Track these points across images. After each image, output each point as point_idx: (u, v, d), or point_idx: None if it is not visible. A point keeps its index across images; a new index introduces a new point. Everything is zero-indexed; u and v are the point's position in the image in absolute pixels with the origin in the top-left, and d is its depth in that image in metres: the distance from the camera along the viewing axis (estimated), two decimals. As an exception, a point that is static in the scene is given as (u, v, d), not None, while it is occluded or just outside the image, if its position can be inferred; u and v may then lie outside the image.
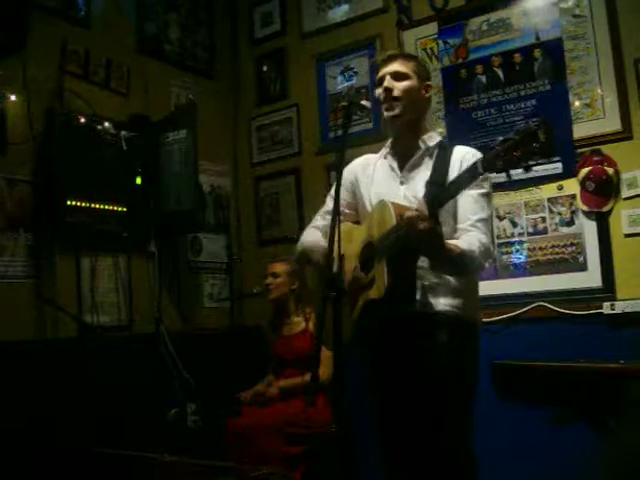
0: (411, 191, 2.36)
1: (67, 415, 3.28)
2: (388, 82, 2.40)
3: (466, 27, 3.91)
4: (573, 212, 3.54)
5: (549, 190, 3.60)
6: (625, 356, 3.12)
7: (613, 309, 3.30)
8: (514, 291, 3.64)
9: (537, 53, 3.66)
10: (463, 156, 2.33)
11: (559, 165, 3.55)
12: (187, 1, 4.68)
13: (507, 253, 3.71)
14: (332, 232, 2.05)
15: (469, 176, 1.97)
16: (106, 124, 3.84)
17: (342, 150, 2.25)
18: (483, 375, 2.41)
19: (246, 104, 4.95)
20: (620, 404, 3.12)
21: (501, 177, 1.91)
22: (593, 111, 3.50)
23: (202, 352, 4.10)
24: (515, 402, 3.50)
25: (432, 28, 4.05)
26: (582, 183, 3.47)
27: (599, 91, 3.49)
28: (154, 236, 4.02)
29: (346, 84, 4.46)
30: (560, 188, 3.58)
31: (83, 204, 3.66)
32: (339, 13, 4.53)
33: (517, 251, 3.68)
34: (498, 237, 3.67)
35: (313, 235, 2.55)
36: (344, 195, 2.58)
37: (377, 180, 2.50)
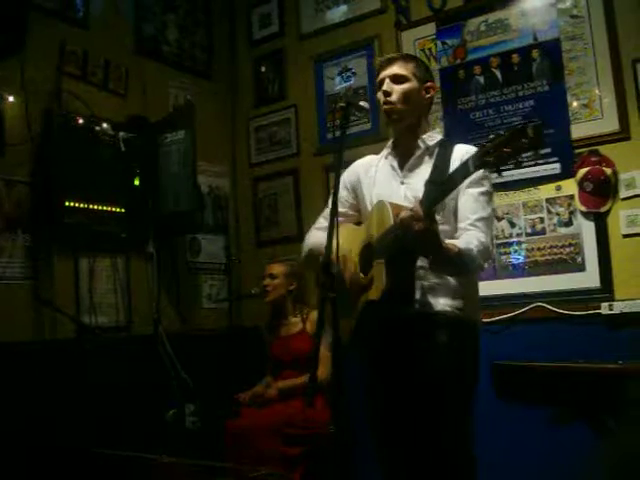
0: (412, 191, 2.36)
1: (65, 416, 3.27)
2: (387, 85, 2.41)
3: (464, 28, 3.91)
4: (571, 212, 3.54)
5: (547, 190, 3.61)
6: (623, 356, 3.12)
7: (611, 309, 3.30)
8: (512, 291, 3.64)
9: (535, 54, 3.67)
10: (463, 154, 2.31)
11: (557, 165, 3.55)
12: (185, 2, 4.68)
13: (505, 253, 3.71)
14: (330, 233, 2.05)
15: (461, 174, 1.97)
16: (104, 125, 3.84)
17: (340, 151, 2.25)
18: (482, 375, 2.41)
19: (244, 105, 4.95)
20: (619, 404, 3.12)
21: (500, 177, 1.91)
22: (591, 111, 3.51)
23: (200, 353, 4.09)
24: (514, 402, 3.50)
25: (430, 29, 4.05)
26: (580, 183, 3.47)
27: (597, 92, 3.50)
28: (152, 237, 4.01)
29: (344, 85, 4.46)
30: (558, 188, 3.58)
31: (81, 205, 3.65)
32: (337, 14, 4.53)
33: (515, 251, 3.69)
34: (496, 237, 3.67)
35: (316, 238, 2.54)
36: (346, 196, 2.59)
37: (379, 180, 2.50)
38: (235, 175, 4.94)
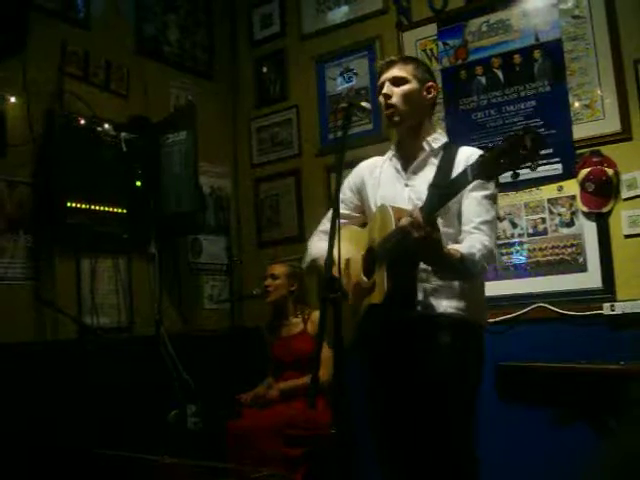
0: (415, 193, 2.36)
1: (67, 417, 3.28)
2: (387, 88, 2.41)
3: (466, 28, 3.91)
4: (573, 213, 3.54)
5: (549, 191, 3.60)
6: (625, 357, 3.12)
7: (613, 310, 3.30)
8: (514, 292, 3.64)
9: (537, 54, 3.66)
10: (468, 158, 2.30)
11: (559, 166, 3.55)
12: (186, 2, 4.69)
13: (507, 254, 3.71)
14: (332, 235, 2.05)
15: (460, 183, 1.96)
16: (106, 126, 3.84)
17: (342, 151, 2.25)
18: (485, 376, 2.41)
19: (246, 105, 4.95)
20: (621, 405, 3.12)
21: (502, 178, 1.91)
22: (593, 112, 3.51)
23: (202, 354, 4.09)
24: (516, 403, 3.50)
25: (432, 29, 4.05)
26: (582, 184, 3.47)
27: (599, 92, 3.49)
28: (154, 238, 4.01)
29: (346, 85, 4.46)
30: (560, 189, 3.58)
31: (83, 206, 3.65)
32: (339, 14, 4.53)
33: (517, 252, 3.68)
34: (498, 238, 3.64)
35: (318, 249, 2.53)
36: (351, 198, 2.59)
37: (383, 182, 2.50)
38: (237, 176, 4.94)
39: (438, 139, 2.45)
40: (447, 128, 3.90)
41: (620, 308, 3.28)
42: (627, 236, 3.37)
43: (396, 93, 2.39)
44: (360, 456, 2.80)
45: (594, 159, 3.44)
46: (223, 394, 3.87)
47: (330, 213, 2.58)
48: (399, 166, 2.48)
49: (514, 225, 3.69)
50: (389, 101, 2.39)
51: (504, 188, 3.52)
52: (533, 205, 3.65)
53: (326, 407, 3.50)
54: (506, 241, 3.71)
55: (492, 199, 2.32)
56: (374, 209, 2.44)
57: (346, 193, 2.60)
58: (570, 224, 3.55)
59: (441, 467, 2.25)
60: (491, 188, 2.31)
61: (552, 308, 3.50)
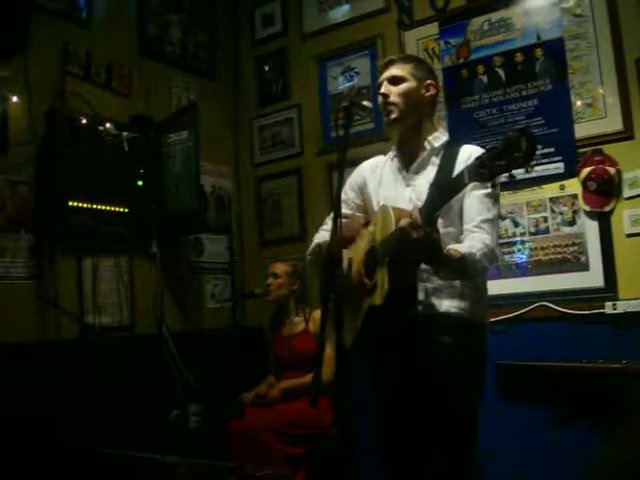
0: (416, 193, 2.36)
1: (70, 416, 3.28)
2: (385, 88, 2.42)
3: (467, 27, 3.91)
4: (575, 212, 3.53)
5: (551, 190, 3.60)
6: (627, 356, 3.11)
7: (615, 309, 3.30)
8: (516, 291, 3.64)
9: (538, 53, 3.66)
10: (469, 157, 2.30)
11: (561, 165, 3.55)
12: (188, 2, 4.69)
13: (509, 253, 3.71)
14: (333, 235, 2.05)
15: (457, 185, 1.96)
16: (108, 125, 3.84)
17: (343, 150, 2.25)
18: (487, 375, 2.41)
19: (247, 105, 4.95)
20: (623, 404, 3.11)
21: (502, 177, 1.90)
22: (594, 111, 3.50)
23: (204, 353, 4.10)
24: (517, 402, 3.50)
25: (433, 28, 4.05)
26: (584, 183, 3.47)
27: (600, 91, 3.49)
28: (156, 237, 4.01)
29: (347, 84, 4.46)
30: (562, 188, 3.58)
31: (85, 205, 3.66)
32: (340, 13, 4.53)
33: (519, 251, 3.68)
34: (500, 237, 3.65)
35: (324, 238, 2.53)
36: (353, 198, 2.59)
37: (384, 182, 2.50)
38: (238, 175, 4.94)
39: (439, 138, 2.45)
40: (448, 127, 3.89)
41: (622, 307, 3.28)
42: (629, 235, 3.37)
43: (394, 92, 2.40)
44: (361, 455, 2.80)
45: (596, 158, 3.44)
46: (225, 393, 3.87)
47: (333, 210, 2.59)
48: (400, 166, 2.48)
49: (516, 224, 3.69)
50: (387, 100, 2.39)
51: (506, 187, 3.51)
52: (535, 204, 3.65)
53: (328, 406, 3.50)
54: (508, 240, 3.70)
55: (494, 197, 2.31)
56: (376, 209, 2.44)
57: (348, 193, 2.60)
58: (572, 223, 3.54)
59: (442, 467, 2.25)
60: (492, 186, 2.31)
61: (554, 307, 3.50)
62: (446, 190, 2.01)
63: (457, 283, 2.30)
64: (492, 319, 3.42)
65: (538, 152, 1.77)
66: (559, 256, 3.57)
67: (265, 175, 4.83)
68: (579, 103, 3.54)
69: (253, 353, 4.10)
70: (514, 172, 1.75)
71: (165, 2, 4.51)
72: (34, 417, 3.18)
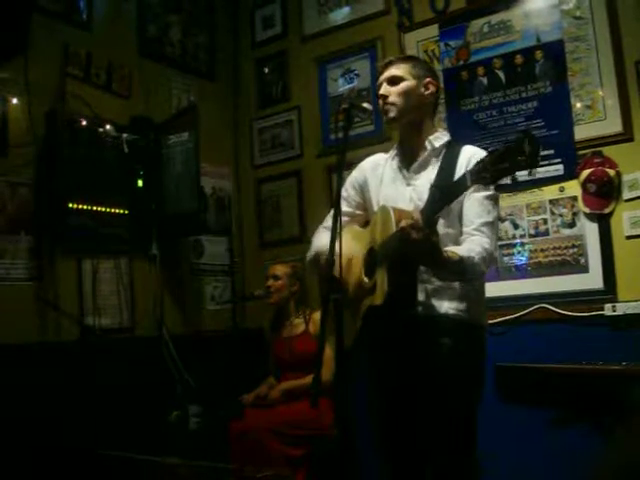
0: (417, 193, 2.36)
1: (70, 417, 3.28)
2: (383, 89, 2.42)
3: (467, 29, 3.91)
4: (574, 214, 3.54)
5: (550, 192, 3.60)
6: (627, 357, 3.12)
7: (615, 311, 3.30)
8: (516, 293, 3.64)
9: (538, 55, 3.66)
10: (470, 157, 2.30)
11: (560, 167, 3.55)
12: (188, 3, 4.69)
13: (509, 255, 3.71)
14: (333, 235, 2.05)
15: (459, 188, 1.96)
16: (108, 127, 3.85)
17: (343, 152, 2.25)
18: (486, 377, 2.41)
19: (247, 106, 4.96)
20: (623, 405, 3.12)
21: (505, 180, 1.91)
22: (594, 113, 3.51)
23: (204, 354, 4.09)
24: (516, 404, 3.50)
25: (433, 30, 4.05)
26: (583, 185, 3.47)
27: (600, 93, 3.50)
28: (156, 238, 4.01)
29: (347, 86, 4.46)
30: (561, 190, 3.58)
31: (85, 207, 3.66)
32: (340, 15, 4.53)
33: (519, 253, 3.68)
34: (499, 239, 3.65)
35: (322, 243, 2.53)
36: (354, 195, 2.59)
37: (385, 181, 2.50)
38: (238, 177, 4.94)
39: (440, 138, 2.45)
40: (448, 128, 3.88)
41: (621, 309, 3.29)
42: (628, 237, 3.37)
43: (393, 92, 2.40)
44: (361, 456, 2.80)
45: (595, 160, 3.44)
46: (225, 394, 3.87)
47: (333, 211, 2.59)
48: (401, 165, 2.48)
49: (515, 226, 3.69)
50: (387, 100, 2.40)
51: (505, 189, 3.52)
52: (535, 206, 3.65)
53: (328, 407, 3.50)
54: (508, 242, 3.71)
55: (494, 200, 2.32)
56: (376, 208, 2.44)
57: (349, 190, 2.60)
58: (572, 225, 3.55)
59: (441, 468, 2.25)
60: (493, 189, 2.31)
61: (553, 309, 3.50)
62: (448, 193, 2.01)
63: (457, 285, 2.30)
64: (492, 321, 3.45)
65: (539, 141, 1.76)
66: (559, 258, 3.57)
67: (265, 177, 4.83)
68: (579, 105, 3.55)
69: (253, 355, 4.10)
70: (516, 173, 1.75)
71: (165, 3, 4.51)
72: (34, 418, 3.18)
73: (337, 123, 4.42)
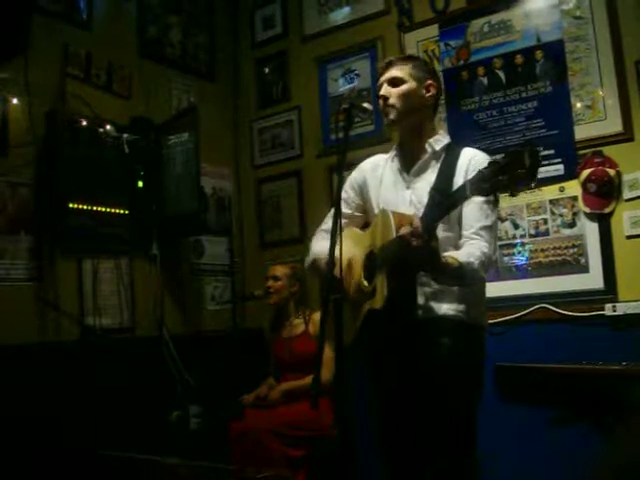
0: (417, 196, 2.36)
1: (70, 417, 3.28)
2: (384, 90, 2.42)
3: (467, 29, 3.91)
4: (575, 214, 3.53)
5: (551, 192, 3.60)
6: (627, 357, 3.12)
7: (615, 311, 3.30)
8: (516, 293, 3.64)
9: (538, 55, 3.66)
10: (469, 160, 2.31)
11: (560, 167, 3.55)
12: (188, 4, 4.69)
13: (509, 255, 3.71)
14: (333, 237, 2.05)
15: (458, 197, 1.96)
16: (108, 127, 3.85)
17: (343, 152, 2.25)
18: (486, 377, 2.41)
19: (248, 107, 4.96)
20: (623, 405, 3.12)
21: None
22: (594, 112, 3.50)
23: (204, 354, 4.09)
24: (516, 403, 3.50)
25: (433, 30, 4.05)
26: (584, 185, 3.47)
27: (600, 92, 3.49)
28: (156, 239, 4.01)
29: (348, 86, 4.46)
30: (562, 190, 3.58)
31: (85, 207, 3.66)
32: (340, 16, 4.53)
33: (519, 253, 3.68)
34: (500, 239, 3.65)
35: (321, 247, 2.51)
36: (353, 197, 2.59)
37: (385, 184, 2.49)
38: (238, 177, 4.94)
39: (440, 140, 2.44)
40: (449, 129, 3.89)
41: (622, 309, 3.29)
42: (629, 237, 3.37)
43: (393, 94, 2.39)
44: (361, 457, 2.80)
45: (596, 160, 3.44)
46: (225, 395, 3.87)
47: (333, 212, 2.59)
48: (401, 167, 2.47)
49: (516, 226, 3.69)
50: (387, 102, 2.39)
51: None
52: (535, 206, 3.65)
53: (328, 408, 3.50)
54: (508, 242, 3.70)
55: (493, 204, 2.31)
56: (376, 210, 2.44)
57: (348, 192, 2.59)
58: (572, 225, 3.54)
59: (441, 468, 2.25)
60: None
61: (554, 309, 3.50)
62: (447, 202, 2.01)
63: (455, 287, 2.30)
64: (492, 321, 3.45)
65: (540, 154, 1.76)
66: (559, 258, 3.57)
67: (265, 177, 4.83)
68: (579, 105, 3.54)
69: (253, 355, 4.10)
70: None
71: (165, 4, 4.51)
72: (34, 419, 3.18)
73: (337, 123, 4.37)
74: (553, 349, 3.39)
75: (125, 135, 3.91)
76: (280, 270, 3.98)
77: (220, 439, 3.59)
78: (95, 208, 3.72)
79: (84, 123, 3.72)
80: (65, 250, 3.67)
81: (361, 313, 2.29)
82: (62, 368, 3.37)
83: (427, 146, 2.42)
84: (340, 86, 4.50)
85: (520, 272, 3.67)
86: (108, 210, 3.79)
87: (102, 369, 3.46)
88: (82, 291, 3.73)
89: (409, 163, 2.46)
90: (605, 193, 3.40)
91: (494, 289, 3.56)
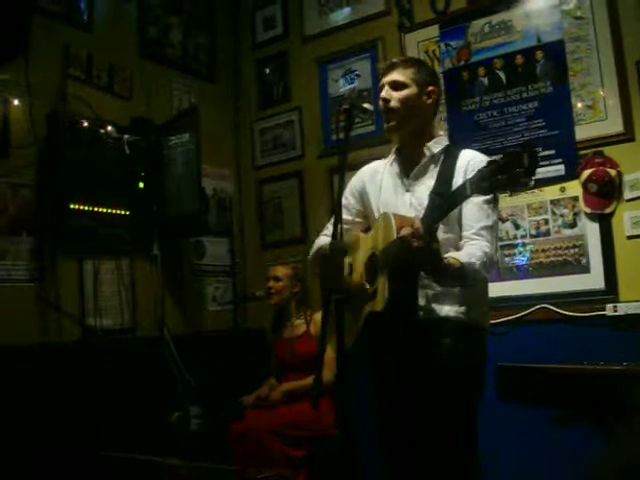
0: (417, 199, 2.36)
1: (71, 418, 3.28)
2: (386, 93, 2.41)
3: (468, 29, 3.91)
4: (575, 214, 3.53)
5: (551, 192, 3.60)
6: (628, 358, 3.11)
7: (616, 311, 3.30)
8: (517, 293, 3.64)
9: (539, 55, 3.66)
10: (468, 162, 2.31)
11: (561, 167, 3.55)
12: (189, 5, 4.69)
13: (510, 255, 3.70)
14: (334, 238, 2.06)
15: (458, 196, 1.97)
16: (109, 128, 3.85)
17: (344, 153, 2.26)
18: (488, 377, 2.41)
19: (248, 107, 4.96)
20: (624, 405, 3.11)
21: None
22: (595, 113, 3.50)
23: (205, 355, 4.09)
24: (518, 403, 3.50)
25: (434, 31, 4.05)
26: (584, 185, 3.47)
27: (601, 93, 3.49)
28: (157, 239, 4.02)
29: (348, 87, 4.46)
30: (562, 190, 3.58)
31: (86, 208, 3.66)
32: (341, 16, 4.53)
33: (520, 253, 3.68)
34: (501, 239, 3.65)
35: (325, 242, 2.53)
36: (354, 204, 2.59)
37: (384, 188, 2.50)
38: (239, 178, 4.94)
39: (439, 143, 2.45)
40: (449, 129, 3.90)
41: (623, 309, 3.28)
42: (630, 237, 3.37)
43: (395, 98, 2.39)
44: (363, 457, 2.80)
45: (597, 160, 3.44)
46: (226, 395, 3.87)
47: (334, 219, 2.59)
48: (400, 171, 2.48)
49: (517, 226, 3.69)
50: (388, 105, 2.39)
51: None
52: (536, 206, 3.65)
53: (329, 408, 3.50)
54: (509, 242, 3.70)
55: (493, 204, 2.32)
56: (376, 215, 2.45)
57: (348, 198, 2.60)
58: (573, 225, 3.54)
59: (443, 468, 2.25)
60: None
61: (555, 309, 3.50)
62: (447, 202, 2.02)
63: (457, 289, 2.30)
64: (493, 321, 3.43)
65: (539, 154, 1.77)
66: (560, 258, 3.57)
67: (266, 178, 4.83)
68: (580, 105, 3.54)
69: (254, 355, 4.10)
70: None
71: (165, 5, 4.51)
72: (35, 419, 3.18)
73: (338, 124, 4.37)
74: (554, 349, 3.39)
75: (126, 136, 3.91)
76: (281, 271, 3.98)
77: (221, 440, 3.59)
78: (96, 209, 3.72)
79: (85, 124, 3.72)
80: (66, 251, 3.67)
81: (362, 315, 2.29)
82: (63, 369, 3.37)
83: (425, 150, 2.42)
84: (341, 87, 4.50)
85: (521, 272, 3.67)
86: (109, 211, 3.79)
87: (103, 370, 3.46)
88: (83, 292, 3.73)
89: (408, 167, 2.46)
90: (606, 193, 3.40)
91: (495, 289, 3.54)
